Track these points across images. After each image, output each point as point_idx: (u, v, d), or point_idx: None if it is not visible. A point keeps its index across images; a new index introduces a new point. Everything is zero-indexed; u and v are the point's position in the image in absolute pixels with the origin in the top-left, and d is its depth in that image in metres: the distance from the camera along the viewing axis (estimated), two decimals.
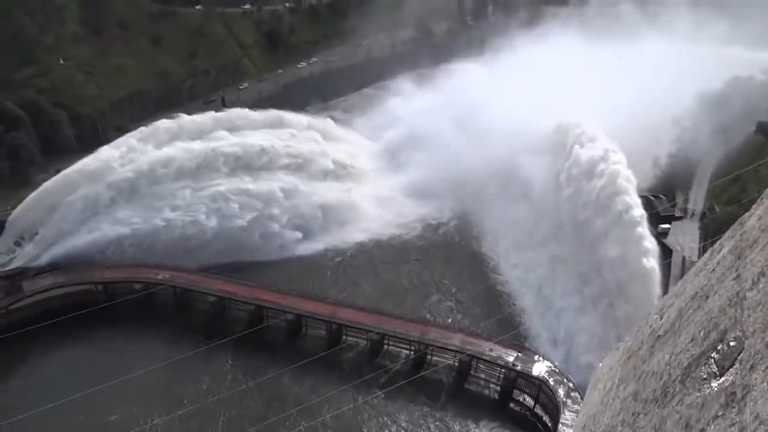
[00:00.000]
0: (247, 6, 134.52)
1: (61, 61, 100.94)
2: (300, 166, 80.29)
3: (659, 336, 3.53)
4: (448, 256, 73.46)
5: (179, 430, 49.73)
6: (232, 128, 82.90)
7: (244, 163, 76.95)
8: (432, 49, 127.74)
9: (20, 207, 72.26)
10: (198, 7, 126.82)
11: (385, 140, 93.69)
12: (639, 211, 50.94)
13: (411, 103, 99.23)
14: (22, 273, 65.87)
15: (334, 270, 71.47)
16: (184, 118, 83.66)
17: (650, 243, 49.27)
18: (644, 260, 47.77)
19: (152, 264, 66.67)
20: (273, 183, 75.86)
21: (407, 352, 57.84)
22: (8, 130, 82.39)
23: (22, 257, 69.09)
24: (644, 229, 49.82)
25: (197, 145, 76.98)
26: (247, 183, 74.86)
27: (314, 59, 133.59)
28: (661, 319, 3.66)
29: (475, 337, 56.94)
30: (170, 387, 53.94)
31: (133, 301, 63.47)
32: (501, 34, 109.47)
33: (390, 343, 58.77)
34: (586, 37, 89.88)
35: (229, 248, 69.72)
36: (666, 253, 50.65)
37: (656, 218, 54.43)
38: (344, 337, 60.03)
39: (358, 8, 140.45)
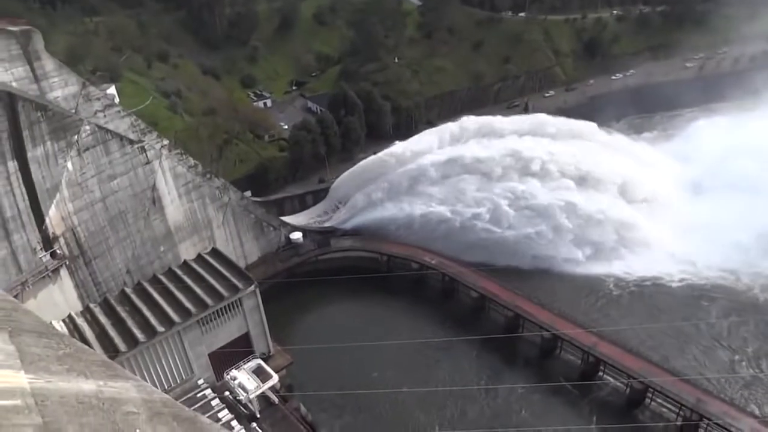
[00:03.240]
0: (572, 14, 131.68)
1: (396, 60, 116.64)
2: (590, 181, 75.68)
3: None
4: (757, 320, 59.53)
5: (416, 406, 53.33)
6: (533, 134, 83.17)
7: (531, 170, 76.39)
8: None
9: (341, 178, 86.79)
10: (522, 14, 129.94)
11: (698, 170, 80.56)
12: None
13: (745, 134, 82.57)
14: (332, 232, 79.22)
15: (603, 298, 65.67)
16: (487, 119, 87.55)
17: None
18: None
19: (427, 248, 72.43)
20: (560, 194, 73.48)
21: (674, 416, 49.40)
22: (346, 114, 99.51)
23: (336, 219, 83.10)
24: None
25: (494, 146, 79.34)
26: (535, 189, 74.27)
27: (632, 71, 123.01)
28: None
29: None
30: (420, 364, 58.10)
31: (408, 277, 70.53)
32: None
33: (654, 398, 51.02)
34: None
35: (502, 250, 70.71)
36: None
37: None
38: (600, 373, 54.69)
39: (699, 17, 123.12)
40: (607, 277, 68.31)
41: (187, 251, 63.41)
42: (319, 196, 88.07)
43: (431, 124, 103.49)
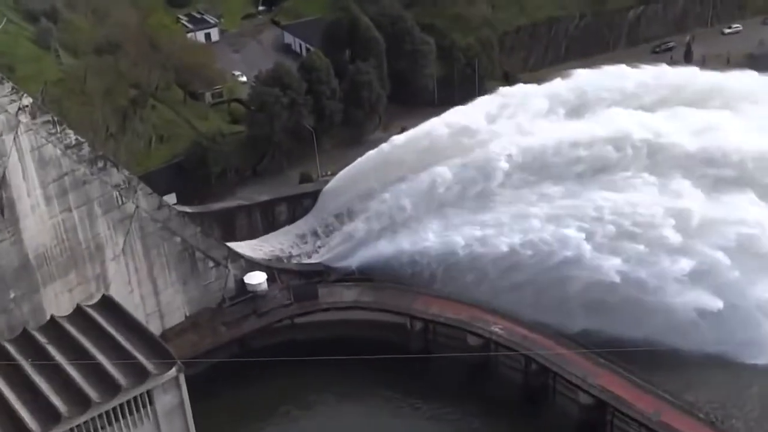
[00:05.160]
0: None
1: None
2: None
3: None
4: None
5: None
6: (693, 103, 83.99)
7: (686, 166, 77.51)
8: None
9: (341, 175, 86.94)
10: None
11: None
12: None
13: None
14: (322, 273, 79.08)
15: None
16: (607, 73, 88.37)
17: None
18: None
19: (495, 308, 72.31)
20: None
21: None
22: (354, 59, 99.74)
23: (329, 250, 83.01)
24: None
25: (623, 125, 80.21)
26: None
27: None
28: None
29: None
30: None
31: (461, 361, 69.62)
32: None
33: None
34: None
35: (625, 313, 70.11)
36: None
37: None
38: None
39: None
40: None
41: (58, 300, 63.48)
42: (300, 206, 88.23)
43: (510, 79, 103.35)
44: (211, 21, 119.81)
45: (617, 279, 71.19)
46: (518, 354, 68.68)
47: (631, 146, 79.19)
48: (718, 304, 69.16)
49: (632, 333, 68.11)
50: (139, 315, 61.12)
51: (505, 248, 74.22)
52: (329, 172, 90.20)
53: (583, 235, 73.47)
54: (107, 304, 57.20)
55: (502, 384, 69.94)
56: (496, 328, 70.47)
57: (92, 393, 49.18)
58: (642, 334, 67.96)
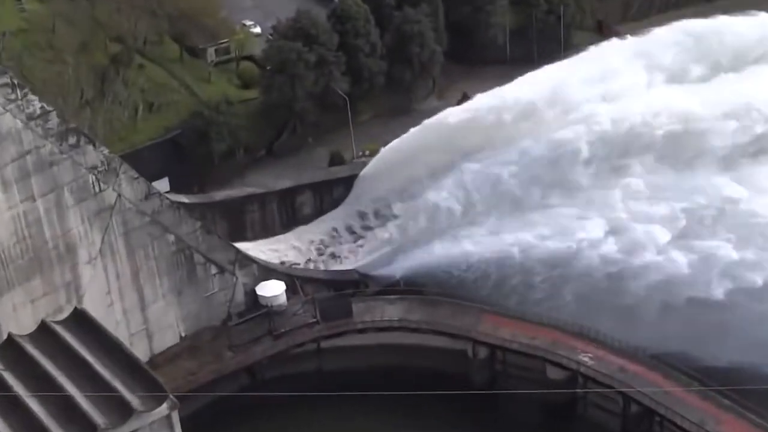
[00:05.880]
0: None
1: None
2: None
3: None
4: None
5: None
6: None
7: None
8: None
9: (378, 158, 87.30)
10: None
11: None
12: None
13: None
14: (357, 284, 79.52)
15: None
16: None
17: None
18: None
19: (575, 330, 71.97)
20: None
21: None
22: (400, 3, 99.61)
23: (367, 252, 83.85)
24: None
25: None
26: None
27: None
28: None
29: None
30: None
31: (538, 399, 69.82)
32: None
33: None
34: None
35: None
36: None
37: None
38: None
39: None
40: None
41: (17, 314, 64.14)
42: (329, 195, 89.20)
43: (603, 33, 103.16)
44: None
45: None
46: (614, 391, 68.11)
47: None
48: None
49: None
50: (121, 334, 61.70)
51: (720, 295, 70.76)
52: (367, 152, 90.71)
53: None
54: (80, 320, 57.72)
55: (592, 429, 69.94)
56: (584, 357, 70.02)
57: None
58: None
